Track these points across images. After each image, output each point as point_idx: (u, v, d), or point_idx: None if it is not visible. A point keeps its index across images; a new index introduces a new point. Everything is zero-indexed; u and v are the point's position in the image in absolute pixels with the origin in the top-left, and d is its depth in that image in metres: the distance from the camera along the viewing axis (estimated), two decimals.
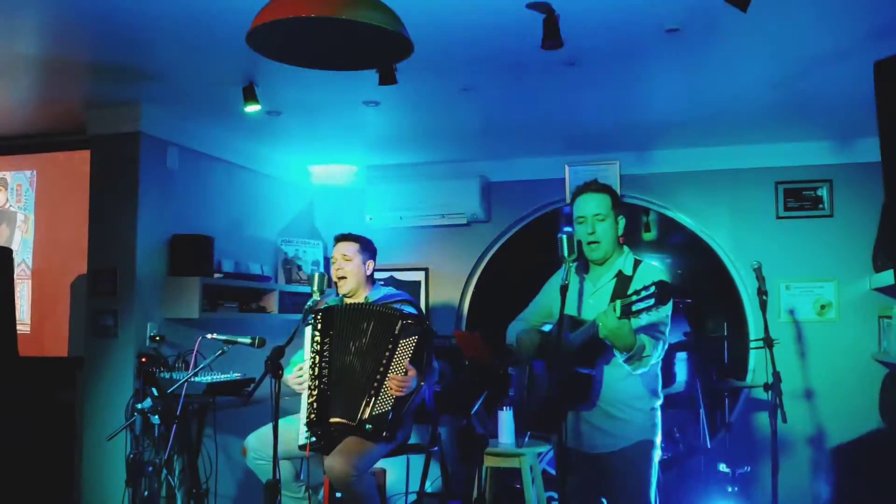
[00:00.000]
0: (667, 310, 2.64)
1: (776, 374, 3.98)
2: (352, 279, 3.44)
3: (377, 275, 3.76)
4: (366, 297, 3.46)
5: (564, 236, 2.63)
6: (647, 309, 2.36)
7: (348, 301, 3.48)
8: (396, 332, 3.21)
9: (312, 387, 3.25)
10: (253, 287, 4.85)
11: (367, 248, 3.52)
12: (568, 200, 5.19)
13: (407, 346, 3.19)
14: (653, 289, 2.33)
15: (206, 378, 3.94)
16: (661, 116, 4.39)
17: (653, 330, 2.63)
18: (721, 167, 5.15)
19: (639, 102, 4.13)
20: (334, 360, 3.26)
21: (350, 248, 3.47)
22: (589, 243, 2.78)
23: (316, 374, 3.25)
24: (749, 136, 4.86)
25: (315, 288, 3.20)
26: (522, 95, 4.00)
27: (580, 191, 2.88)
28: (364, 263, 3.47)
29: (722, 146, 5.08)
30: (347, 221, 5.62)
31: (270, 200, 5.40)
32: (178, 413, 3.46)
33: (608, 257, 2.82)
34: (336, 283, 3.48)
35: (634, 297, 2.38)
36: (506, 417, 3.94)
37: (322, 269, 5.55)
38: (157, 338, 4.16)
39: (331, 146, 5.13)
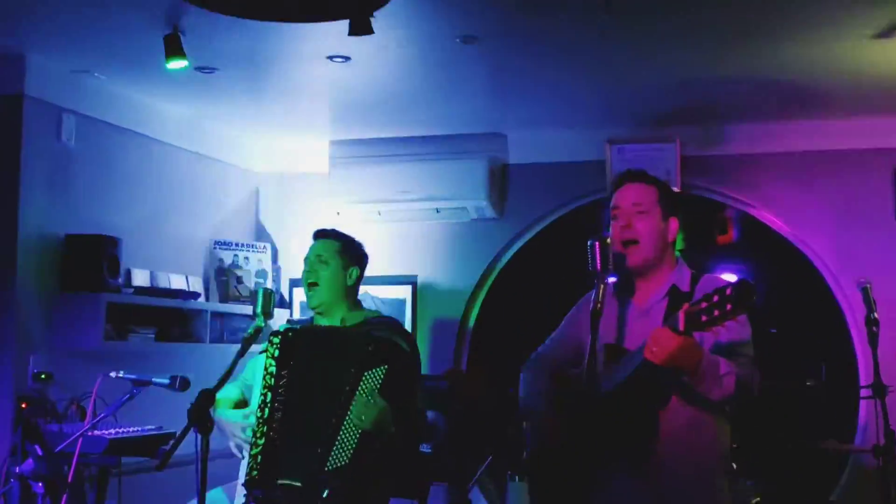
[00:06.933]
0: (746, 328, 2.70)
1: (890, 435, 4.03)
2: (324, 289, 3.53)
3: None
4: (342, 319, 3.54)
5: (597, 243, 2.65)
6: (724, 317, 2.39)
7: (321, 321, 3.56)
8: (361, 360, 3.30)
9: (259, 434, 3.32)
10: (175, 307, 4.90)
11: (351, 252, 3.60)
12: (609, 190, 5.18)
13: (373, 378, 3.28)
14: (730, 290, 2.37)
15: (110, 432, 3.98)
16: (738, 78, 4.45)
17: (730, 353, 2.67)
18: (821, 147, 5.23)
19: (704, 59, 4.20)
20: (291, 401, 3.33)
21: (328, 247, 3.56)
22: (624, 241, 2.83)
23: (265, 417, 3.32)
24: (861, 105, 4.92)
25: (259, 310, 3.23)
26: (544, 49, 4.05)
27: (619, 180, 2.95)
28: (345, 270, 3.55)
29: (822, 119, 5.14)
30: (307, 217, 5.64)
31: (200, 188, 5.44)
32: (69, 479, 3.49)
33: (651, 265, 2.87)
34: (305, 293, 3.57)
35: (705, 303, 2.43)
36: (519, 490, 4.00)
37: (271, 284, 5.62)
38: (43, 376, 4.21)
39: (283, 115, 5.18)
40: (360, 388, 3.26)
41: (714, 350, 2.65)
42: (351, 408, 3.24)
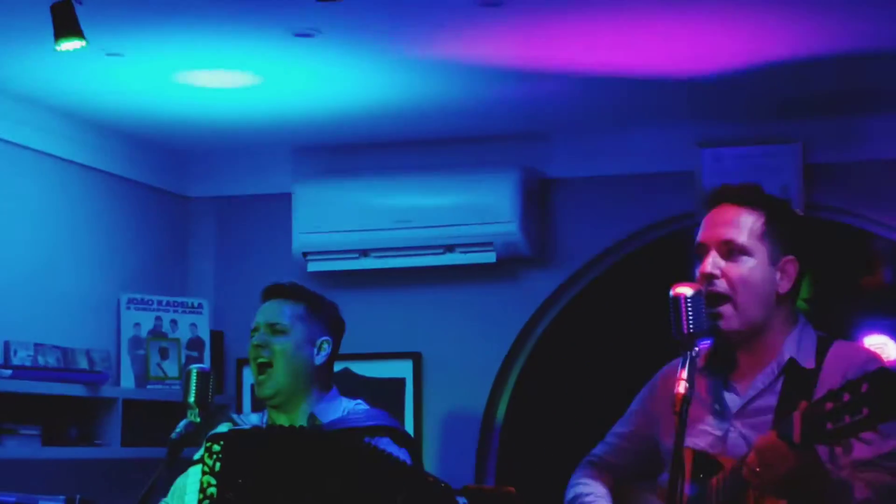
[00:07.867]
0: (894, 434, 2.63)
1: None
2: (281, 373, 3.56)
3: None
4: (310, 416, 3.57)
5: (682, 296, 2.63)
6: (859, 427, 2.36)
7: (279, 419, 3.59)
8: None
9: None
10: (73, 395, 4.91)
11: (320, 316, 3.67)
12: (698, 215, 5.15)
13: None
14: (866, 387, 2.32)
15: None
16: (892, 50, 4.43)
17: (873, 469, 2.66)
18: None
19: (843, 19, 4.15)
20: None
21: (287, 311, 3.62)
22: (710, 297, 2.77)
23: None
24: None
25: (192, 398, 3.30)
26: (602, 10, 4.04)
27: (710, 201, 2.96)
28: (312, 344, 3.60)
29: None
30: (260, 260, 5.68)
31: (108, 222, 5.44)
32: None
33: (756, 332, 2.85)
34: (255, 377, 3.61)
35: (830, 404, 2.39)
36: None
37: (207, 362, 5.57)
38: None
39: (228, 113, 5.17)
40: None
41: (849, 463, 2.64)
42: None
